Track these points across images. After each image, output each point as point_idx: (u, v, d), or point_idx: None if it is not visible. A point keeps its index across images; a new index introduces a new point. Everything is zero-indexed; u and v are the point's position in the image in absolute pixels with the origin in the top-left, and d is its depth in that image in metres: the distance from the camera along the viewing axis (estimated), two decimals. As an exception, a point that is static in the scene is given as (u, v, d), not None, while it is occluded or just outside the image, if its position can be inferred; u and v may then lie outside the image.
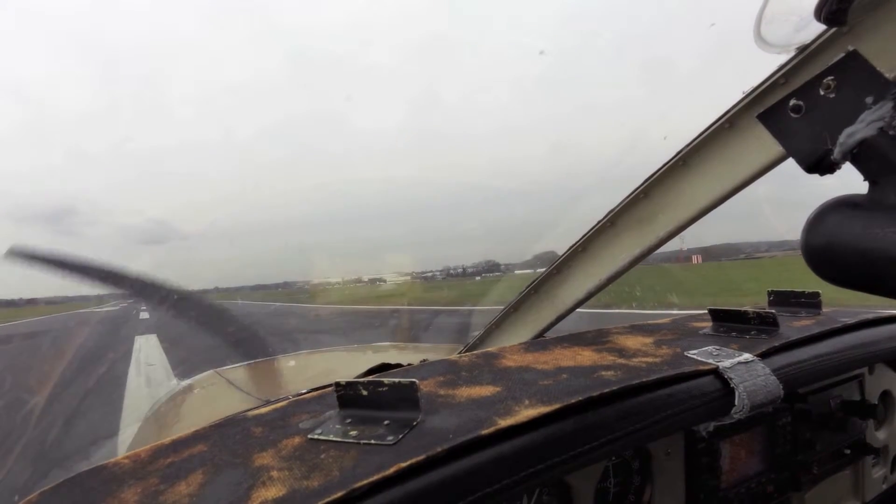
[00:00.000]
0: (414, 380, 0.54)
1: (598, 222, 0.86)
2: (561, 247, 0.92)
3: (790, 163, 0.45)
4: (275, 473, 0.46)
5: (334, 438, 0.51)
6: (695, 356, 0.70)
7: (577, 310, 0.91)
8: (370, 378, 0.57)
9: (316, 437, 0.52)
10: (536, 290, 0.99)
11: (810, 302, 1.00)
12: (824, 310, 0.98)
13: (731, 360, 0.66)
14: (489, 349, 0.84)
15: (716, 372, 0.64)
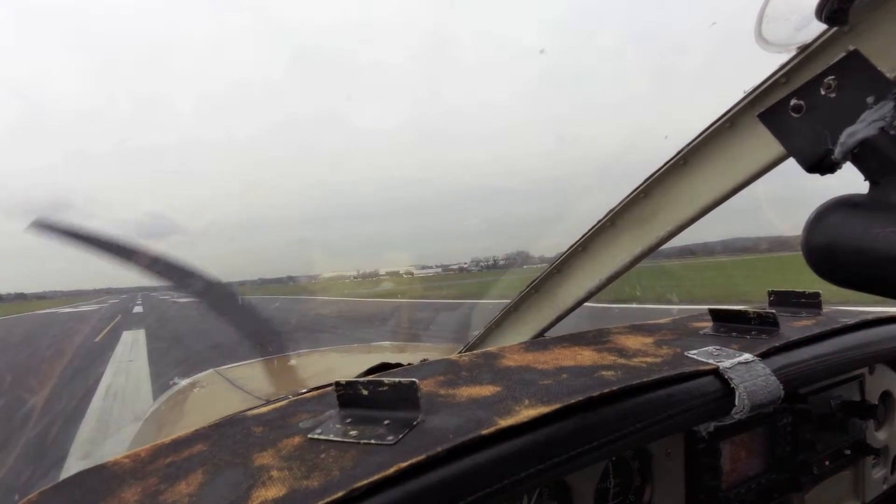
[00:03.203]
0: (414, 379, 0.54)
1: (599, 222, 0.86)
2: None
3: (791, 162, 0.45)
4: (275, 473, 0.46)
5: (334, 438, 0.51)
6: (695, 356, 0.69)
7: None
8: (370, 378, 0.57)
9: (316, 436, 0.52)
10: (537, 289, 0.99)
11: (810, 302, 0.99)
12: (824, 310, 0.98)
13: (731, 361, 0.66)
14: (489, 349, 0.84)
15: (716, 372, 0.64)
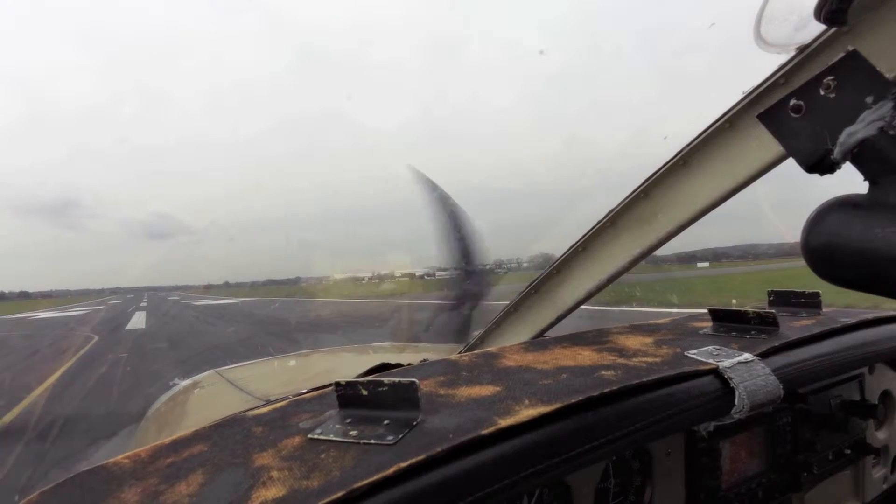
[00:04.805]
0: (414, 379, 0.54)
1: (598, 222, 0.86)
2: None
3: (790, 163, 0.45)
4: (275, 473, 0.46)
5: (334, 438, 0.51)
6: (695, 356, 0.70)
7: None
8: (370, 378, 0.57)
9: (316, 436, 0.52)
10: (537, 289, 0.99)
11: (810, 302, 1.00)
12: (824, 310, 0.98)
13: (731, 360, 0.66)
14: (489, 349, 0.84)
15: (716, 372, 0.64)
